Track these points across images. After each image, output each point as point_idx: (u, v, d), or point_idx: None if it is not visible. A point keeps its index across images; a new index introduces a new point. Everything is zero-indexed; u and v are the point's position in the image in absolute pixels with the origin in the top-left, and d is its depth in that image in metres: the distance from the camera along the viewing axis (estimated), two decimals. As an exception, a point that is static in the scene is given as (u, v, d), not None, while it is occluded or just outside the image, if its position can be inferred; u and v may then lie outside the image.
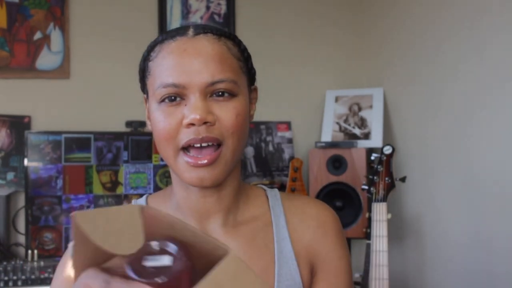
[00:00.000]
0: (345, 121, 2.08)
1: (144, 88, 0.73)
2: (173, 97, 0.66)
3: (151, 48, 0.71)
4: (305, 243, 0.73)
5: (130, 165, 1.92)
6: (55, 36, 1.99)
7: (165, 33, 0.71)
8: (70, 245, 0.54)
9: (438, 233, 1.77)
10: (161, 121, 0.66)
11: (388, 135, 2.04)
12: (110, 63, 2.05)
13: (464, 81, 1.66)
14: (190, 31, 0.69)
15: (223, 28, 0.73)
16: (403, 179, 1.62)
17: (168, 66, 0.66)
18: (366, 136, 2.02)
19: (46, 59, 1.99)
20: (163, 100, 0.66)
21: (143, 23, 2.09)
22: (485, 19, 1.57)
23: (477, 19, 1.60)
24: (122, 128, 1.97)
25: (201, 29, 0.69)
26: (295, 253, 0.72)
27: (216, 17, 2.16)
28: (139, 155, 1.92)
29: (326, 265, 0.73)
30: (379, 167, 1.64)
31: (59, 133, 1.86)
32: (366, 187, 1.64)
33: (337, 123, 2.09)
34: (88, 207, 1.87)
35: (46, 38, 1.99)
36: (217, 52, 0.67)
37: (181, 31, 0.69)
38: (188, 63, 0.65)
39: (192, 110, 0.64)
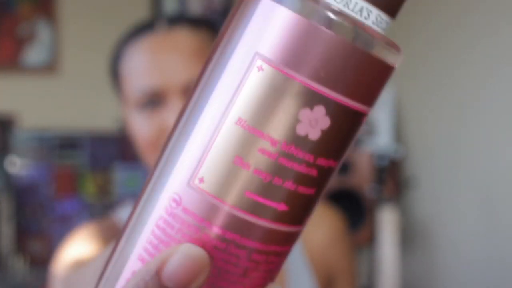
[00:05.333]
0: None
1: (117, 91, 0.66)
2: (150, 101, 0.59)
3: (119, 48, 0.64)
4: (318, 250, 0.70)
5: (124, 166, 1.83)
6: (44, 30, 1.92)
7: (133, 30, 0.64)
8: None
9: (450, 239, 1.71)
10: (139, 128, 0.60)
11: (397, 136, 1.98)
12: (102, 58, 1.99)
13: (480, 80, 1.60)
14: (162, 24, 0.62)
15: (202, 16, 0.66)
16: (412, 182, 1.55)
17: (141, 67, 0.60)
18: (374, 136, 1.94)
19: (34, 54, 1.91)
20: (139, 105, 0.60)
21: (138, 15, 2.04)
22: (504, 16, 1.50)
23: (495, 10, 1.54)
24: (115, 125, 1.91)
25: (174, 20, 0.62)
26: (306, 260, 0.68)
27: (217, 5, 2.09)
28: (134, 155, 1.84)
29: (343, 272, 0.72)
30: (387, 169, 1.57)
31: (48, 132, 1.78)
32: (373, 191, 1.57)
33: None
34: (79, 213, 1.79)
35: (34, 32, 1.92)
36: (197, 45, 0.60)
37: (151, 25, 0.62)
38: (163, 61, 0.59)
39: (172, 114, 0.58)
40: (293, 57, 0.19)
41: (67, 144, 1.78)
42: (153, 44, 0.60)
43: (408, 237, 1.90)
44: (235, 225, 0.20)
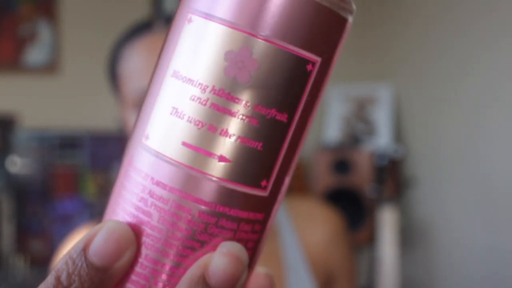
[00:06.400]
0: (351, 120, 1.99)
1: (115, 92, 0.66)
2: None
3: (116, 48, 0.64)
4: (317, 250, 0.69)
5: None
6: (45, 29, 1.92)
7: (131, 30, 0.64)
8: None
9: (450, 239, 1.70)
10: None
11: (397, 135, 1.96)
12: (103, 58, 1.98)
13: (482, 78, 1.59)
14: (158, 24, 0.61)
15: None
16: (412, 182, 1.54)
17: (138, 68, 0.60)
18: (373, 136, 1.93)
19: (35, 54, 1.91)
20: (137, 106, 0.60)
21: (139, 15, 2.02)
22: (504, 8, 1.49)
23: (494, 8, 1.53)
24: (114, 126, 1.90)
25: (171, 20, 0.61)
26: (305, 260, 0.67)
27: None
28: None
29: (343, 271, 0.72)
30: (387, 169, 1.56)
31: (48, 132, 1.78)
32: (373, 190, 1.56)
33: (342, 122, 2.01)
34: (80, 213, 1.79)
35: (35, 33, 1.91)
36: None
37: (147, 25, 0.62)
38: None
39: None
40: (216, 3, 0.19)
41: (67, 144, 1.78)
42: (150, 44, 0.60)
43: (408, 237, 1.89)
44: (177, 179, 0.19)
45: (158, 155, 0.20)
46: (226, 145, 0.19)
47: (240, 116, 0.19)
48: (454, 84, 1.69)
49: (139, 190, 0.20)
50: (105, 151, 1.82)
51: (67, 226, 1.76)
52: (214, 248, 0.20)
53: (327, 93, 2.10)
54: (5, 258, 1.80)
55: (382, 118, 1.94)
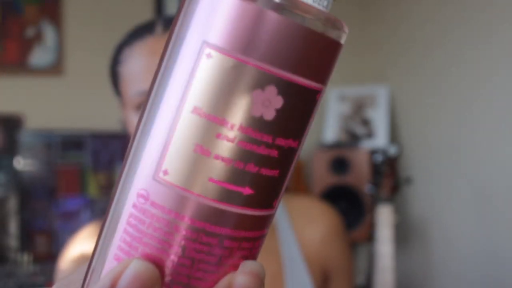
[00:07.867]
0: (349, 120, 2.01)
1: (117, 93, 0.66)
2: None
3: (119, 50, 0.64)
4: (314, 247, 0.70)
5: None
6: (49, 32, 1.93)
7: (132, 32, 0.64)
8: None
9: (445, 236, 1.71)
10: None
11: (394, 135, 1.97)
12: (106, 60, 1.99)
13: (474, 80, 1.59)
14: (160, 27, 0.61)
15: None
16: (408, 180, 1.55)
17: (139, 71, 0.60)
18: (371, 135, 1.94)
19: (40, 56, 1.93)
20: (138, 107, 0.60)
21: (141, 17, 2.04)
22: (497, 12, 1.50)
23: (487, 11, 1.53)
24: (118, 127, 1.91)
25: (171, 23, 0.62)
26: (304, 257, 0.68)
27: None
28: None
29: (339, 269, 0.72)
30: (384, 168, 1.57)
31: (53, 132, 1.80)
32: (370, 189, 1.58)
33: (340, 122, 2.02)
34: (83, 210, 1.81)
35: (40, 34, 1.93)
36: None
37: (149, 28, 0.62)
38: None
39: None
40: (239, 40, 0.19)
41: (71, 143, 1.80)
42: (151, 47, 0.60)
43: (404, 234, 1.89)
44: (204, 213, 0.20)
45: (183, 192, 0.20)
46: (251, 178, 0.20)
47: (264, 150, 0.20)
48: (448, 85, 1.70)
49: (162, 224, 0.20)
50: (107, 151, 1.84)
51: (70, 223, 1.78)
52: (234, 268, 0.21)
53: (326, 93, 2.12)
54: (10, 254, 1.82)
55: (379, 118, 1.95)
